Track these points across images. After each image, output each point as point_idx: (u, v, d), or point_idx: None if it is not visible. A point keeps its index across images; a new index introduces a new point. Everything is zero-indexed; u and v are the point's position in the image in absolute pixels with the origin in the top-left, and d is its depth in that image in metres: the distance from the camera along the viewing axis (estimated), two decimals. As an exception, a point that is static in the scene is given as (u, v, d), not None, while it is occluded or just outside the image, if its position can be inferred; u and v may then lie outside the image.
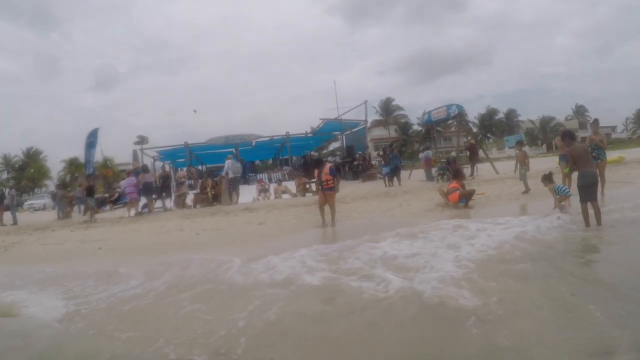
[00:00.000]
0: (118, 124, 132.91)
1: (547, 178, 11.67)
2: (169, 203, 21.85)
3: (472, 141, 26.40)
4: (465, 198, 13.72)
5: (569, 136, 10.15)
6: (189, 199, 22.36)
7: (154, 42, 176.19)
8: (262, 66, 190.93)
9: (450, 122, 35.99)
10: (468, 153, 24.68)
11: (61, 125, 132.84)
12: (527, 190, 14.78)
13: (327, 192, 12.82)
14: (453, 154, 30.97)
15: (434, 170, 23.92)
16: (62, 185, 31.65)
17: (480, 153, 24.83)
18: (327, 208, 12.83)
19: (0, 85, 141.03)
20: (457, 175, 15.15)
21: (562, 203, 11.21)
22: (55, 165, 71.59)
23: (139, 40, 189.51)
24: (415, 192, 17.78)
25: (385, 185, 22.70)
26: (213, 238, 12.58)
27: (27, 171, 68.30)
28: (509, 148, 45.62)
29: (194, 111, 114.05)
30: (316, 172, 13.43)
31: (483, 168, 24.09)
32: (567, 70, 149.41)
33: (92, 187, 22.12)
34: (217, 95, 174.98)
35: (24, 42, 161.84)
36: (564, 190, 11.32)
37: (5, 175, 68.77)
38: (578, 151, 9.25)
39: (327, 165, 13.44)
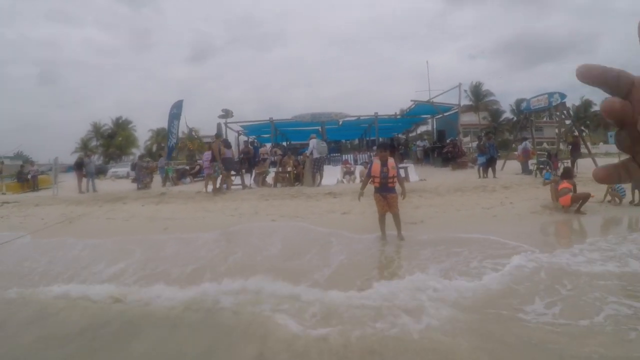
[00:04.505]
0: (206, 96, 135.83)
1: None
2: (249, 180, 20.82)
3: (576, 134, 24.06)
4: (577, 202, 11.77)
5: None
6: (270, 177, 21.26)
7: (244, 18, 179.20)
8: (351, 44, 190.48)
9: (547, 112, 33.47)
10: (569, 147, 22.39)
11: (152, 96, 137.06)
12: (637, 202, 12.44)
13: (389, 194, 9.00)
14: (545, 145, 28.55)
15: (530, 162, 21.93)
16: (143, 155, 31.48)
17: (582, 148, 22.50)
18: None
19: (95, 56, 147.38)
20: (568, 174, 12.95)
21: (614, 198, 12.57)
22: (143, 135, 73.67)
23: (230, 15, 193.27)
24: (516, 188, 15.65)
25: (479, 176, 20.72)
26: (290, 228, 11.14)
27: (115, 139, 69.92)
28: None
29: None
30: (377, 163, 9.07)
31: (583, 164, 21.67)
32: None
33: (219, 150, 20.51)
34: (305, 72, 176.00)
35: (118, 16, 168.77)
36: (620, 190, 12.51)
37: (94, 143, 70.75)
38: None
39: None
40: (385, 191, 8.94)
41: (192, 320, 5.36)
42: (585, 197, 11.61)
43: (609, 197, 12.69)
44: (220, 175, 18.27)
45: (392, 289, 5.86)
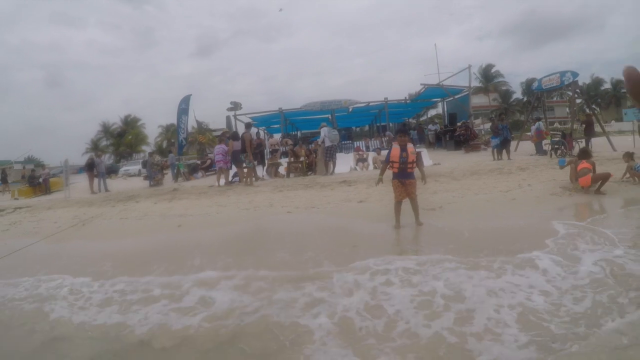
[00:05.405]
0: (214, 90, 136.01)
1: (630, 155, 12.54)
2: (261, 172, 20.64)
3: (589, 112, 23.65)
4: (597, 182, 11.42)
5: None
6: (282, 168, 21.08)
7: (247, 9, 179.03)
8: (357, 31, 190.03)
9: (558, 91, 33.14)
10: (583, 126, 21.99)
11: (159, 93, 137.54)
12: None
13: (407, 180, 8.72)
14: (557, 124, 28.10)
15: (544, 143, 21.51)
16: (152, 152, 31.49)
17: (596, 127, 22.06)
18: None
19: (100, 57, 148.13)
20: (586, 154, 12.57)
21: (634, 177, 12.14)
22: (153, 132, 74.04)
23: (233, 8, 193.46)
24: (532, 170, 15.25)
25: (494, 159, 20.49)
26: (306, 219, 10.86)
27: (125, 138, 70.12)
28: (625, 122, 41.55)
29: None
30: (397, 148, 8.73)
31: (597, 143, 21.16)
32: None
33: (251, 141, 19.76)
34: (312, 62, 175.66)
35: (121, 15, 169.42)
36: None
37: (104, 142, 71.24)
38: None
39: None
40: (404, 177, 8.67)
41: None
42: (606, 177, 11.24)
43: (627, 176, 12.38)
44: (254, 166, 18.29)
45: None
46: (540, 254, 6.44)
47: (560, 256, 6.29)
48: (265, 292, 5.82)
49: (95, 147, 66.79)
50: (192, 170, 27.82)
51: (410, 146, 8.67)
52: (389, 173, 8.99)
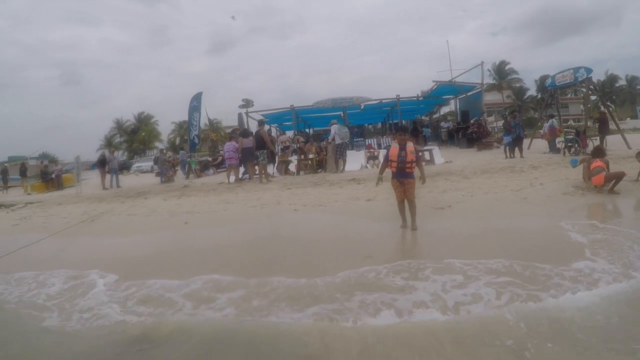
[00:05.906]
0: (227, 87, 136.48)
1: None
2: (272, 169, 20.60)
3: (603, 110, 23.30)
4: (610, 181, 11.13)
5: None
6: (292, 165, 21.04)
7: (262, 7, 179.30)
8: (370, 28, 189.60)
9: (572, 88, 32.75)
10: (597, 123, 21.68)
11: (173, 90, 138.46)
12: None
13: (406, 180, 8.44)
14: (571, 122, 27.74)
15: (558, 140, 21.12)
16: (163, 149, 31.78)
17: (611, 124, 21.68)
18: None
19: (115, 55, 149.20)
20: (600, 153, 12.26)
21: None
22: (166, 128, 74.67)
23: (247, 5, 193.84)
24: (545, 168, 15.02)
25: (506, 157, 20.39)
26: (312, 217, 10.77)
27: (138, 134, 70.77)
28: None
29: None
30: (395, 147, 8.50)
31: (612, 141, 20.77)
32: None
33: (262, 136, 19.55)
34: (325, 59, 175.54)
35: (135, 14, 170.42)
36: None
37: (118, 139, 72.33)
38: None
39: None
40: (403, 176, 8.39)
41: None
42: (620, 176, 10.91)
43: None
44: (267, 162, 18.29)
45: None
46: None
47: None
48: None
49: (108, 143, 67.61)
50: (204, 167, 27.92)
51: (410, 145, 8.39)
52: (389, 173, 8.85)
